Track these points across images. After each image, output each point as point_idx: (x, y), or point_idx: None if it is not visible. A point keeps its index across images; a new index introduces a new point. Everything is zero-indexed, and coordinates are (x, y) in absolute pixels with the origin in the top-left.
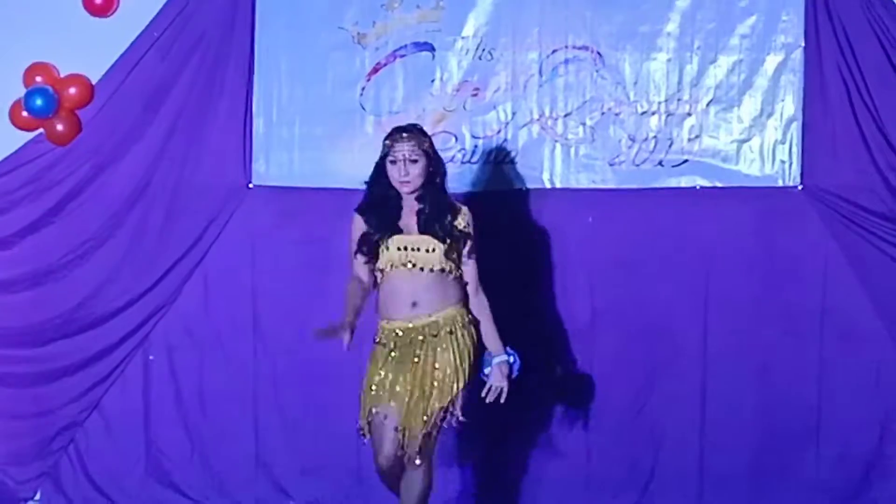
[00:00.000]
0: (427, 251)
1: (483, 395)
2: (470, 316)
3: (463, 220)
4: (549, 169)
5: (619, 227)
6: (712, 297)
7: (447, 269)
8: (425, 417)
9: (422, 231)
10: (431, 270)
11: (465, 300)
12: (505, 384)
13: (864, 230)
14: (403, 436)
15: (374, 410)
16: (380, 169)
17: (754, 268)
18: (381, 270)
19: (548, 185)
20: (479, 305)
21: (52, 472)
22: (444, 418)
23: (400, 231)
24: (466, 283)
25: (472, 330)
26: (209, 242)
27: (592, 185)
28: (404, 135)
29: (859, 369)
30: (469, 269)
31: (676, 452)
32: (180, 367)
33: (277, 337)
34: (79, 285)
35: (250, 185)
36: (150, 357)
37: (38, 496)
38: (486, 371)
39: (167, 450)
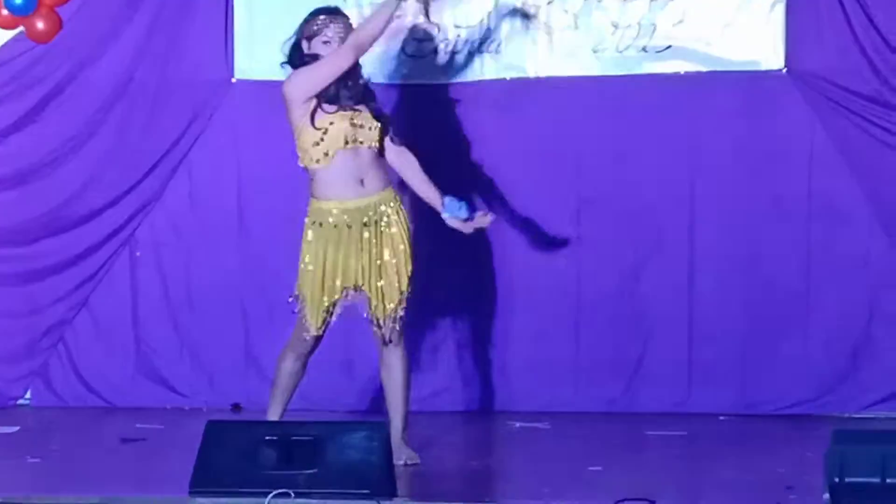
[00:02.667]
0: (370, 128)
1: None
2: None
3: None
4: (533, 57)
5: (604, 114)
6: (698, 182)
7: (382, 147)
8: (393, 301)
9: (375, 116)
10: (371, 147)
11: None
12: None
13: (849, 112)
14: (377, 318)
15: (344, 293)
16: (299, 48)
17: (740, 152)
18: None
19: (532, 75)
20: (408, 160)
21: (42, 370)
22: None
23: (339, 105)
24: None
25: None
26: (193, 138)
27: (576, 73)
28: (337, 16)
29: (846, 253)
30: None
31: (664, 340)
32: (167, 263)
33: (264, 231)
34: (63, 184)
35: (233, 80)
36: (137, 254)
37: (28, 395)
38: (447, 215)
39: (156, 346)
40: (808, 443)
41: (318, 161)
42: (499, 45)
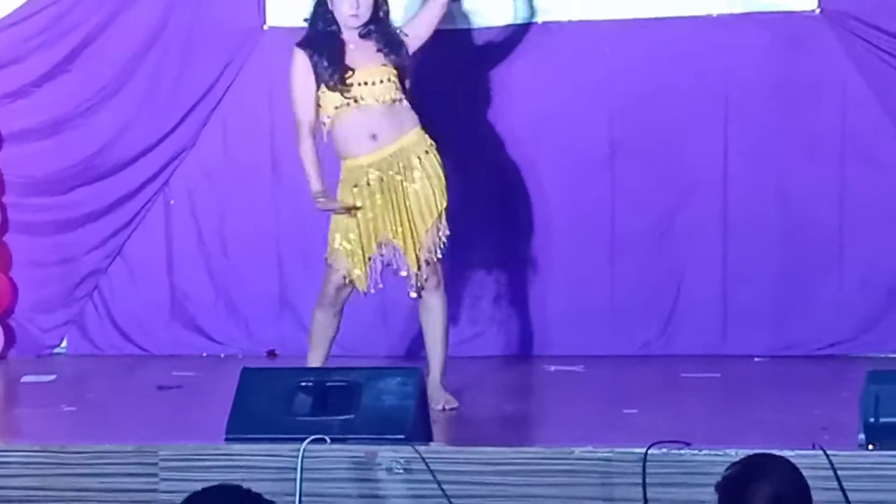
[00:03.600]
0: (373, 84)
1: None
2: (430, 139)
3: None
4: (565, 1)
5: (636, 57)
6: (731, 125)
7: (398, 98)
8: (421, 247)
9: (395, 64)
10: (383, 102)
11: (419, 123)
12: None
13: (883, 52)
14: (414, 266)
15: (378, 249)
16: (322, 4)
17: (773, 94)
18: (330, 115)
19: (564, 18)
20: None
21: (78, 319)
22: (441, 241)
23: (350, 68)
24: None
25: (435, 150)
26: (226, 85)
27: (608, 17)
28: None
29: (880, 192)
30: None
31: (699, 282)
32: (201, 211)
33: (297, 177)
34: (97, 132)
35: (265, 27)
36: (171, 202)
37: (64, 343)
38: None
39: (191, 293)
40: (843, 383)
41: (324, 123)
42: None
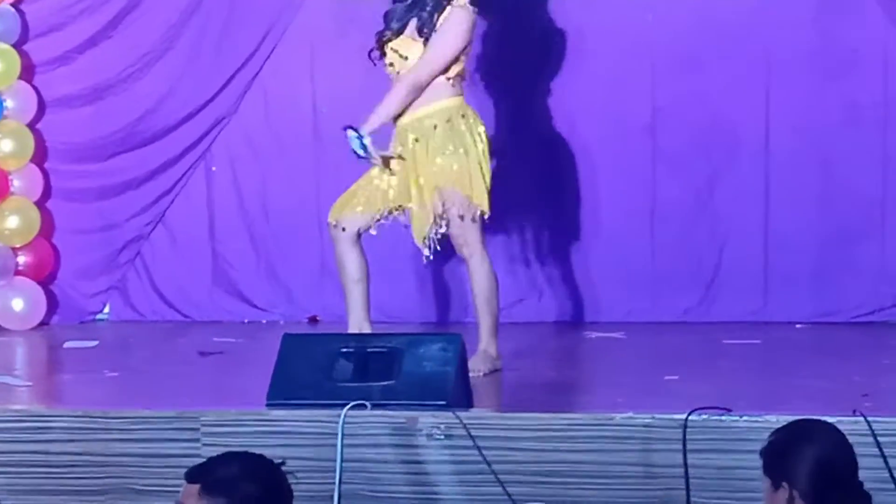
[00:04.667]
0: (403, 57)
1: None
2: (467, 107)
3: (444, 16)
4: None
5: (679, 23)
6: (773, 90)
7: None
8: (437, 212)
9: (417, 33)
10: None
11: (460, 95)
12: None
13: None
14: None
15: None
16: None
17: (814, 59)
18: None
19: None
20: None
21: (120, 285)
22: (469, 209)
23: (398, 33)
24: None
25: (474, 117)
26: (267, 52)
27: None
28: None
29: None
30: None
31: (740, 248)
32: (243, 177)
33: (339, 144)
34: (139, 99)
35: None
36: (213, 168)
37: (106, 309)
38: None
39: (233, 260)
40: (884, 350)
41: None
42: None
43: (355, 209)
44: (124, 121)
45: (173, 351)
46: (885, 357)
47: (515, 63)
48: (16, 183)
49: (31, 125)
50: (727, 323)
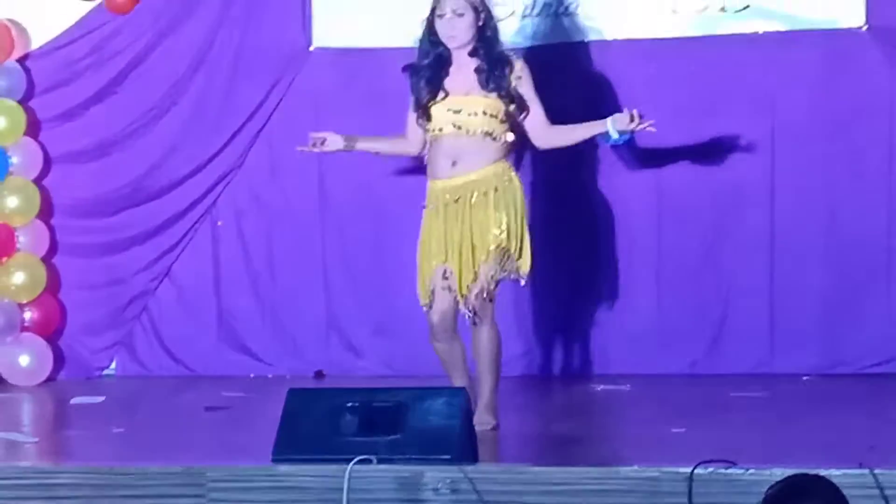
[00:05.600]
0: (470, 115)
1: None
2: (513, 172)
3: (517, 74)
4: (610, 20)
5: (682, 75)
6: (778, 142)
7: (491, 132)
8: (474, 276)
9: (483, 87)
10: (475, 133)
11: (508, 158)
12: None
13: None
14: (460, 294)
15: (427, 269)
16: (429, 26)
17: (820, 111)
18: (432, 132)
19: (609, 37)
20: (556, 130)
21: (127, 340)
22: (497, 276)
23: (446, 92)
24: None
25: (518, 183)
26: (272, 107)
27: (654, 35)
28: None
29: None
30: (535, 115)
31: (746, 301)
32: (248, 232)
33: (344, 198)
34: (145, 154)
35: (311, 48)
36: (219, 223)
37: (113, 365)
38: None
39: (239, 315)
40: (891, 402)
41: (424, 143)
42: (576, 7)
43: None
44: (130, 176)
45: (179, 406)
46: (892, 409)
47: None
48: (22, 239)
49: (37, 181)
50: (734, 375)
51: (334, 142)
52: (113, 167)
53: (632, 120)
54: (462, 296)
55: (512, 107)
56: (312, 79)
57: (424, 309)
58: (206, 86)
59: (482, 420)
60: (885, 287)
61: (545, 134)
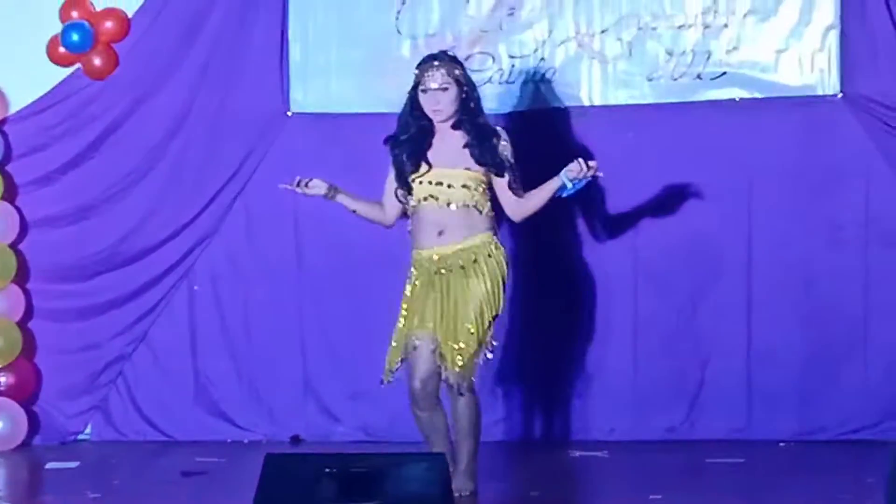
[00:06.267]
0: (452, 187)
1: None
2: (497, 242)
3: (501, 144)
4: (588, 86)
5: (660, 142)
6: (755, 209)
7: (473, 204)
8: (458, 346)
9: (476, 160)
10: (457, 206)
11: (493, 229)
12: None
13: None
14: (441, 362)
15: (410, 337)
16: (412, 100)
17: (796, 178)
18: (413, 205)
19: (586, 103)
20: (525, 199)
21: (102, 405)
22: (478, 346)
23: (429, 164)
24: (507, 201)
25: (501, 256)
26: (250, 172)
27: (631, 102)
28: (434, 63)
29: None
30: (512, 198)
31: (723, 366)
32: (225, 296)
33: (321, 264)
34: (122, 219)
35: (289, 113)
36: (196, 287)
37: (88, 429)
38: (567, 186)
39: (215, 380)
40: (868, 469)
41: (397, 216)
42: (553, 74)
43: None
44: (107, 241)
45: (155, 471)
46: (869, 475)
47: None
48: None
49: (14, 245)
50: (711, 441)
51: (318, 186)
52: (90, 231)
53: (581, 169)
54: (446, 365)
55: (502, 178)
56: (290, 143)
57: (387, 379)
58: (183, 150)
59: (461, 486)
60: (861, 353)
61: (517, 205)
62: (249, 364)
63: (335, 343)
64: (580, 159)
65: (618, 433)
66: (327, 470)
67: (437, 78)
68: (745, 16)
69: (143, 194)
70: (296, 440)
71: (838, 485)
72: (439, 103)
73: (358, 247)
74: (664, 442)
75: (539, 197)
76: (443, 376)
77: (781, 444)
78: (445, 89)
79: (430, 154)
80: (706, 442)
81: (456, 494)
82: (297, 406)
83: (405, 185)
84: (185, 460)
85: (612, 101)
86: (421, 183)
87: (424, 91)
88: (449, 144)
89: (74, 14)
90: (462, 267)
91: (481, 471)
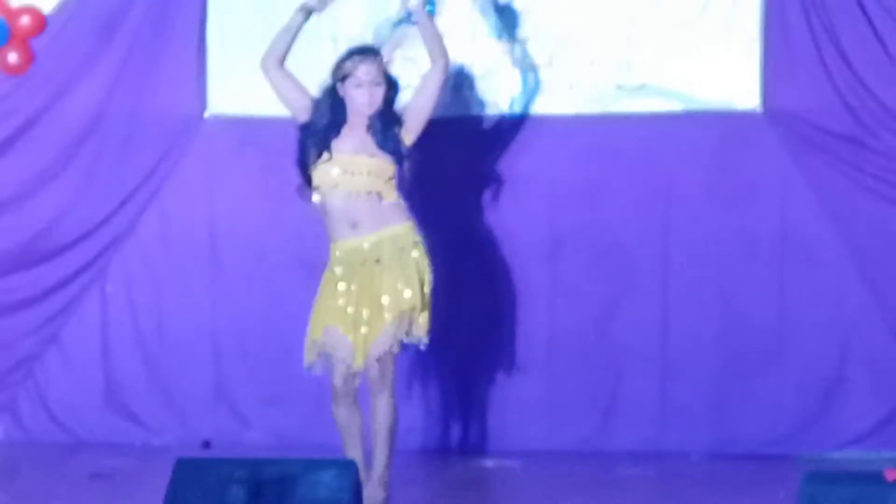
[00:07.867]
0: (354, 174)
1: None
2: (417, 234)
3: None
4: (508, 94)
5: (579, 152)
6: (672, 222)
7: (377, 192)
8: (378, 337)
9: (380, 147)
10: (360, 194)
11: (411, 219)
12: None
13: (824, 152)
14: (363, 356)
15: (328, 330)
16: (333, 91)
17: (714, 192)
18: (318, 190)
19: (507, 111)
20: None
21: (11, 405)
22: (399, 342)
23: (330, 153)
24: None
25: (423, 247)
26: (165, 173)
27: (551, 111)
28: (369, 57)
29: (819, 293)
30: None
31: (637, 377)
32: (138, 298)
33: (236, 266)
34: (34, 217)
35: (206, 115)
36: (108, 289)
37: None
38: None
39: (126, 381)
40: (780, 483)
41: (316, 203)
42: (473, 81)
43: None
44: (18, 239)
45: (64, 474)
46: (780, 489)
47: (412, 189)
48: None
49: None
50: (624, 452)
51: None
52: (1, 229)
53: None
54: (365, 357)
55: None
56: (206, 146)
57: (308, 367)
58: (98, 149)
59: (372, 494)
60: (775, 367)
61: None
62: (161, 367)
63: (248, 347)
64: None
65: (531, 443)
66: (237, 475)
67: (371, 72)
68: (667, 28)
69: (56, 193)
70: (206, 445)
71: (750, 499)
72: (374, 97)
73: (273, 250)
74: (577, 452)
75: (426, 37)
76: (362, 369)
77: (694, 457)
78: (379, 84)
79: (334, 142)
80: (619, 453)
81: (366, 503)
82: (208, 410)
83: (306, 176)
84: (94, 463)
85: (532, 110)
86: (321, 171)
87: (359, 86)
88: (357, 134)
89: None
90: (379, 259)
91: (395, 479)
